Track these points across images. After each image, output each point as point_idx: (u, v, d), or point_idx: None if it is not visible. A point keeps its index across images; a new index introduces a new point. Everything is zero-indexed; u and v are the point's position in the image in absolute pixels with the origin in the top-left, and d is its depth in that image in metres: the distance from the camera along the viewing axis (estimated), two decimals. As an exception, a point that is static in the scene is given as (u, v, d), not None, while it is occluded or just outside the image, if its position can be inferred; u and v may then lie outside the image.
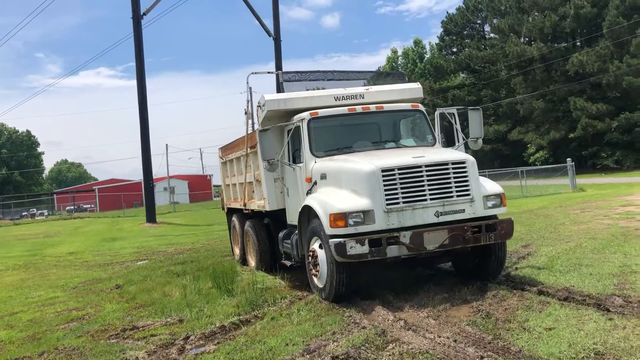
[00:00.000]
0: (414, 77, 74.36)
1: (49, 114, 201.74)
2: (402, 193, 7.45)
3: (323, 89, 10.02)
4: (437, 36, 71.20)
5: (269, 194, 9.86)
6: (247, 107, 10.12)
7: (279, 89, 10.10)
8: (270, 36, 35.76)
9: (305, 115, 8.90)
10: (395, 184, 7.45)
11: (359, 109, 9.10)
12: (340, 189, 7.85)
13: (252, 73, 9.98)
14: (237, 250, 12.95)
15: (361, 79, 10.56)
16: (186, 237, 21.74)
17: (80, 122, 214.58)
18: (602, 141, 49.80)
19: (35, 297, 10.21)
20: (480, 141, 9.29)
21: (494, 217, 8.01)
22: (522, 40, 56.96)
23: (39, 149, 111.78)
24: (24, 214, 78.05)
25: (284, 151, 9.21)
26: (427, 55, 79.18)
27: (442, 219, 7.58)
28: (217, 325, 6.87)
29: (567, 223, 14.84)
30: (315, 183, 8.51)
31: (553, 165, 33.63)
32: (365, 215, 7.33)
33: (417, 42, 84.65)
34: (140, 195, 68.80)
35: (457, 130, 9.78)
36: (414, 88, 10.03)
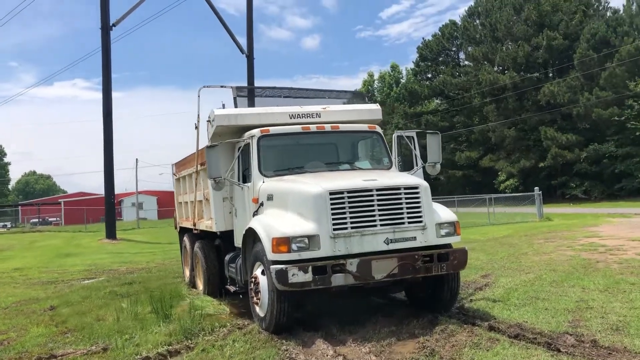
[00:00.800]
0: (390, 101, 74.88)
1: (20, 123, 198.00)
2: (351, 218, 7.01)
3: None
4: (413, 61, 71.90)
5: (217, 214, 9.34)
6: (197, 122, 9.63)
7: (235, 104, 9.64)
8: (243, 53, 35.44)
9: (256, 132, 8.45)
10: (343, 208, 7.01)
11: (313, 127, 8.69)
12: (287, 211, 7.39)
13: (203, 87, 9.51)
14: (187, 272, 12.34)
15: (319, 97, 10.16)
16: (143, 255, 20.97)
17: (53, 134, 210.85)
18: (572, 171, 50.38)
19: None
20: (438, 166, 8.93)
21: (448, 246, 7.61)
22: (495, 68, 57.68)
23: (6, 159, 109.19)
24: (-17, 227, 75.77)
25: (234, 169, 8.73)
26: (403, 80, 79.82)
27: (392, 246, 7.15)
28: (143, 356, 6.30)
29: (530, 253, 14.58)
30: (261, 204, 8.04)
31: (521, 194, 33.72)
32: (310, 240, 6.87)
33: (394, 67, 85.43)
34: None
35: (415, 154, 9.42)
36: (373, 109, 9.67)
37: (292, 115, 9.00)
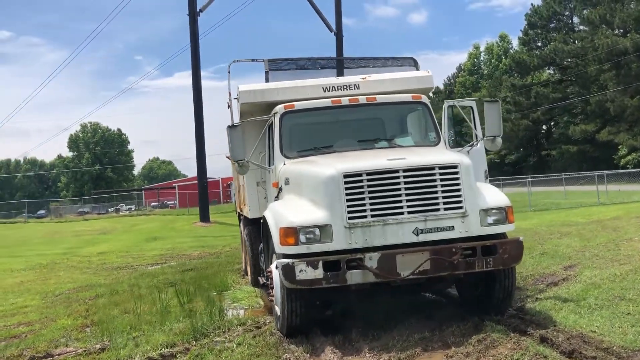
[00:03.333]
0: (498, 74, 70.60)
1: (146, 113, 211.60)
2: (371, 204, 5.93)
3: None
4: (521, 30, 67.08)
5: (250, 199, 8.60)
6: (229, 100, 8.89)
7: (267, 79, 8.78)
8: (331, 32, 34.49)
9: (279, 108, 7.54)
10: (362, 193, 5.94)
11: (345, 100, 7.62)
12: (301, 197, 6.45)
13: (234, 61, 8.75)
14: (243, 259, 11.81)
15: (361, 66, 9.04)
16: (224, 238, 20.89)
17: (174, 122, 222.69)
18: None
19: (8, 305, 9.54)
20: (498, 140, 7.54)
21: (498, 236, 6.28)
22: (614, 31, 52.18)
23: (130, 147, 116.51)
24: (109, 209, 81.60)
25: (265, 151, 7.92)
26: (514, 51, 74.79)
27: (422, 237, 5.99)
28: (132, 360, 5.69)
29: (636, 239, 12.45)
30: (280, 189, 7.16)
31: (637, 169, 30.03)
32: (322, 231, 5.88)
33: (503, 37, 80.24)
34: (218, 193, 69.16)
35: (475, 126, 8.07)
36: (423, 77, 8.40)
37: (326, 87, 7.98)
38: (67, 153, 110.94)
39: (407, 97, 7.78)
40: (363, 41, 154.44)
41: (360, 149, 7.30)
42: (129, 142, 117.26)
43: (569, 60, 57.32)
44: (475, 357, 5.18)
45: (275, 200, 7.19)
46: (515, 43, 74.56)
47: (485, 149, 8.01)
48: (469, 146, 7.86)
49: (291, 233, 5.88)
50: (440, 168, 6.09)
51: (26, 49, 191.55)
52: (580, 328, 5.83)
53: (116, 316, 7.85)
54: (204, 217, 30.27)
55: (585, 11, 56.54)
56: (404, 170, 6.00)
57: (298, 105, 7.53)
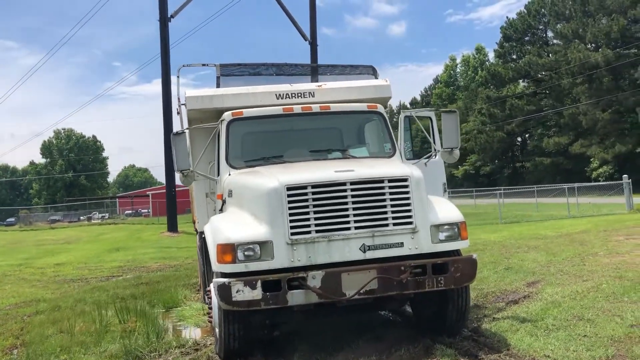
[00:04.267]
0: (474, 86, 71.13)
1: (122, 119, 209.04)
2: (316, 219, 5.54)
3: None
4: (496, 42, 67.74)
5: (200, 211, 8.15)
6: (178, 106, 8.45)
7: (218, 84, 8.36)
8: (305, 40, 34.23)
9: (226, 115, 7.13)
10: (306, 207, 5.54)
11: (297, 108, 7.24)
12: (242, 210, 6.03)
13: (183, 65, 8.32)
14: (199, 273, 11.33)
15: (318, 74, 8.68)
16: (189, 250, 20.22)
17: (151, 128, 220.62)
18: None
19: (-63, 322, 8.87)
20: (456, 152, 7.20)
21: (451, 253, 5.93)
22: (587, 46, 52.93)
23: (105, 154, 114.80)
24: (82, 217, 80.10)
25: (215, 160, 7.49)
26: (490, 63, 75.46)
27: (370, 255, 5.61)
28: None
29: (601, 254, 12.28)
30: (224, 201, 6.74)
31: (607, 182, 30.19)
32: (262, 247, 5.45)
33: (479, 49, 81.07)
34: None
35: (433, 138, 7.76)
36: (381, 85, 8.06)
37: (280, 94, 7.60)
38: (40, 159, 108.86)
39: (362, 106, 7.44)
40: (342, 51, 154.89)
41: (312, 160, 6.92)
42: (104, 149, 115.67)
43: (543, 73, 58.09)
44: (420, 385, 4.81)
45: (219, 213, 6.77)
46: (491, 55, 75.40)
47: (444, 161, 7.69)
48: (426, 158, 7.55)
49: (228, 250, 5.45)
50: (390, 181, 5.73)
51: (1, 52, 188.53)
52: (534, 352, 5.50)
53: (50, 336, 7.31)
54: (172, 227, 29.59)
55: (558, 25, 57.41)
56: (352, 183, 5.63)
57: (247, 112, 7.14)
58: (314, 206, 5.54)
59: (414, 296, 6.53)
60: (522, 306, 7.61)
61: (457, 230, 5.88)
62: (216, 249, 5.54)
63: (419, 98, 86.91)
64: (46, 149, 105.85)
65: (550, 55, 58.35)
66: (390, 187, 5.70)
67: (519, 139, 65.97)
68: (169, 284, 11.41)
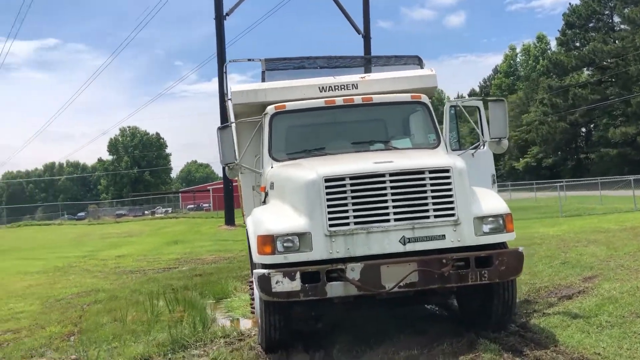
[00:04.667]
0: (535, 76, 68.87)
1: (184, 117, 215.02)
2: (355, 210, 5.52)
3: None
4: (558, 30, 65.20)
5: (247, 204, 8.25)
6: (226, 101, 8.57)
7: (263, 79, 8.45)
8: (359, 33, 34.01)
9: (270, 109, 7.20)
10: (344, 199, 5.53)
11: (339, 100, 7.22)
12: (283, 203, 6.07)
13: (230, 61, 8.46)
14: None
15: (364, 66, 8.61)
16: (244, 242, 20.63)
17: (212, 125, 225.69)
18: None
19: (5, 310, 9.44)
20: (504, 142, 7.02)
21: (495, 246, 5.76)
22: (657, 30, 50.19)
23: (168, 150, 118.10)
24: (145, 212, 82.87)
25: (260, 154, 7.58)
26: (551, 51, 72.85)
27: (410, 247, 5.54)
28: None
29: (668, 248, 11.69)
30: (266, 194, 6.81)
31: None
32: (301, 239, 5.48)
33: (541, 38, 78.40)
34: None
35: (481, 128, 7.57)
36: (426, 75, 7.91)
37: (323, 87, 7.59)
38: (107, 156, 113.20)
39: (405, 96, 7.33)
40: (397, 44, 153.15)
41: (354, 151, 6.89)
42: (167, 145, 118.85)
43: (609, 60, 55.51)
44: (459, 380, 4.71)
45: (261, 205, 6.85)
46: (553, 44, 72.75)
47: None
48: (473, 148, 7.38)
49: (268, 241, 5.51)
50: (431, 172, 5.63)
51: (72, 55, 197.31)
52: (583, 349, 5.29)
53: (104, 324, 7.63)
54: (229, 220, 30.17)
55: (626, 10, 54.68)
56: (391, 174, 5.57)
57: (289, 105, 7.18)
58: (353, 198, 5.52)
59: (459, 290, 6.44)
60: (576, 302, 7.32)
61: (502, 222, 5.71)
62: (256, 240, 5.61)
63: (477, 89, 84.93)
64: (112, 146, 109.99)
65: (616, 41, 55.66)
66: (431, 178, 5.61)
67: (583, 129, 63.41)
68: (222, 275, 11.64)
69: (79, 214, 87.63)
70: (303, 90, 7.56)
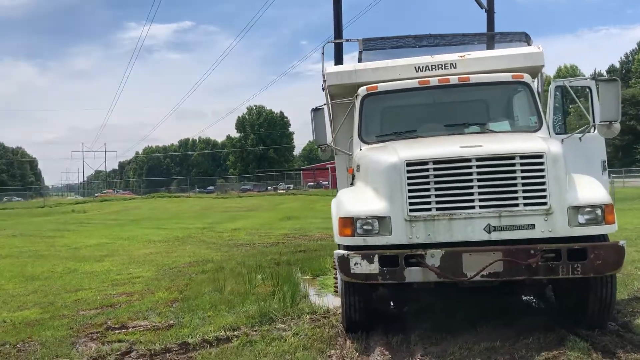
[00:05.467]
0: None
1: (308, 96, 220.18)
2: (437, 196, 5.39)
3: None
4: None
5: (340, 185, 8.33)
6: (323, 82, 8.64)
7: (360, 59, 8.41)
8: (482, 8, 32.47)
9: (361, 90, 7.15)
10: (426, 183, 5.41)
11: (434, 81, 7.01)
12: (367, 185, 6.06)
13: (328, 42, 8.50)
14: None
15: (466, 44, 8.25)
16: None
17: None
18: None
19: (125, 274, 10.36)
20: (616, 126, 6.47)
21: (593, 238, 5.35)
22: None
23: (291, 129, 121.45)
24: (269, 188, 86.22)
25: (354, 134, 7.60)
26: None
27: (495, 236, 5.32)
28: (181, 341, 5.77)
29: None
30: (354, 176, 6.83)
31: None
32: (381, 223, 5.46)
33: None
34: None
35: (592, 110, 7.04)
36: (530, 53, 7.42)
37: (419, 67, 7.39)
38: (235, 134, 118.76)
39: (505, 76, 6.93)
40: (525, 18, 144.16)
41: (447, 134, 6.67)
42: (290, 124, 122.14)
43: None
44: (535, 378, 4.48)
45: (348, 187, 6.88)
46: None
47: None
48: (580, 132, 6.86)
49: (348, 223, 5.55)
50: (522, 157, 5.34)
51: (205, 36, 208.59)
52: (687, 357, 4.79)
53: (205, 293, 8.11)
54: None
55: None
56: (478, 159, 5.35)
57: (381, 86, 7.08)
58: (436, 183, 5.39)
59: (555, 283, 6.10)
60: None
61: (600, 213, 5.29)
62: (338, 222, 5.67)
63: (617, 65, 78.09)
64: (240, 124, 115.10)
65: None
66: (522, 164, 5.33)
67: None
68: (324, 252, 11.87)
69: (209, 188, 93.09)
70: (398, 70, 7.42)
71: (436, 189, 5.38)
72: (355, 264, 5.38)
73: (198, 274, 10.09)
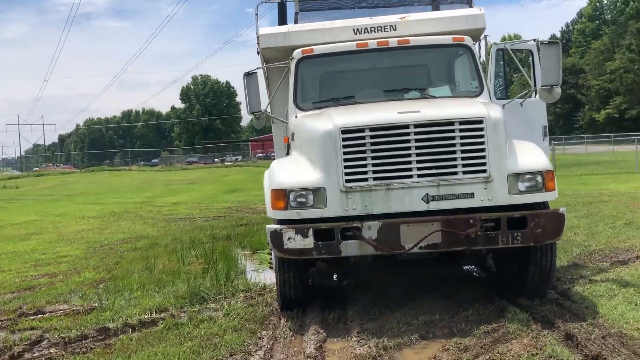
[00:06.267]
0: (623, 19, 63.80)
1: (251, 65, 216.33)
2: (374, 165, 5.07)
3: None
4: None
5: (278, 155, 7.94)
6: (258, 45, 8.13)
7: (295, 21, 7.93)
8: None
9: (296, 53, 6.70)
10: (362, 152, 5.09)
11: (372, 43, 6.63)
12: (301, 155, 5.69)
13: (262, 1, 7.98)
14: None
15: (407, 5, 7.90)
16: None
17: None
18: None
19: (51, 253, 9.72)
20: (557, 90, 6.25)
21: (537, 206, 5.17)
22: None
23: (238, 99, 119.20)
24: (215, 160, 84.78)
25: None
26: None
27: (434, 205, 5.06)
28: (102, 326, 5.32)
29: None
30: (289, 146, 6.44)
31: None
32: (315, 194, 5.11)
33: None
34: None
35: (534, 74, 6.85)
36: (472, 15, 7.11)
37: (358, 29, 6.99)
38: (179, 104, 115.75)
39: (445, 39, 6.62)
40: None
41: (387, 100, 6.34)
42: (237, 94, 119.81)
43: None
44: (475, 352, 4.28)
45: (283, 157, 6.50)
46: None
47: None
48: (521, 97, 6.67)
49: (281, 196, 5.18)
50: (462, 123, 5.07)
51: (146, 3, 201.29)
52: (625, 324, 4.70)
53: (135, 272, 7.63)
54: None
55: None
56: (416, 126, 5.05)
57: (317, 49, 6.65)
58: (372, 151, 5.07)
59: (495, 252, 5.96)
60: (631, 268, 6.63)
61: (540, 180, 5.10)
62: (270, 195, 5.30)
63: (558, 34, 79.95)
64: (185, 94, 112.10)
65: None
66: (461, 130, 5.06)
67: (675, 78, 58.55)
68: (265, 225, 11.51)
69: (153, 160, 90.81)
70: (335, 32, 6.99)
71: (373, 158, 5.07)
72: (288, 239, 5.05)
73: (130, 251, 9.58)
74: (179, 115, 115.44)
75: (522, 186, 5.09)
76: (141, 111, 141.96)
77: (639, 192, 14.26)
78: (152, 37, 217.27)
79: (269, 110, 6.98)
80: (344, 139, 5.08)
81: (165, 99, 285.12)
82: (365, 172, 5.06)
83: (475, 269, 7.12)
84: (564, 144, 38.21)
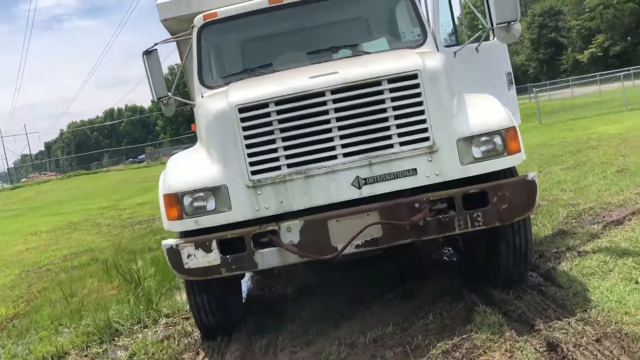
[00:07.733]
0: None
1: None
2: (286, 148, 3.92)
3: None
4: None
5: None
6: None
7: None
8: None
9: (197, 20, 5.47)
10: (269, 133, 3.93)
11: None
12: (200, 146, 4.54)
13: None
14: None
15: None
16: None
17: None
18: None
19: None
20: (516, 27, 5.07)
21: (496, 176, 4.04)
22: None
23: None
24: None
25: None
26: None
27: (367, 191, 3.93)
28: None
29: None
30: (196, 134, 5.28)
31: None
32: (215, 195, 3.98)
33: None
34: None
35: (489, 12, 5.65)
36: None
37: None
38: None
39: None
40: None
41: (311, 64, 5.14)
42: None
43: None
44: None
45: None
46: None
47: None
48: (474, 40, 5.50)
49: (174, 202, 4.04)
50: (390, 81, 3.92)
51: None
52: (624, 314, 3.65)
53: (53, 301, 6.54)
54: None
55: None
56: (333, 92, 3.90)
57: (222, 12, 5.40)
58: (282, 130, 3.91)
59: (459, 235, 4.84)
60: (626, 228, 5.57)
61: (501, 141, 3.96)
62: (163, 201, 4.16)
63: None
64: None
65: None
66: (391, 90, 3.91)
67: (657, 8, 57.06)
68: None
69: (140, 157, 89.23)
70: None
71: (283, 139, 3.91)
72: (188, 257, 3.95)
73: (67, 271, 8.45)
74: (161, 108, 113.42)
75: (477, 152, 3.96)
76: (124, 108, 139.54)
77: (629, 133, 13.16)
78: (119, 30, 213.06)
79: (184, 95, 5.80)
80: (242, 119, 3.92)
81: (146, 93, 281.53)
82: (276, 159, 3.92)
83: (446, 252, 6.03)
84: (549, 89, 36.98)
